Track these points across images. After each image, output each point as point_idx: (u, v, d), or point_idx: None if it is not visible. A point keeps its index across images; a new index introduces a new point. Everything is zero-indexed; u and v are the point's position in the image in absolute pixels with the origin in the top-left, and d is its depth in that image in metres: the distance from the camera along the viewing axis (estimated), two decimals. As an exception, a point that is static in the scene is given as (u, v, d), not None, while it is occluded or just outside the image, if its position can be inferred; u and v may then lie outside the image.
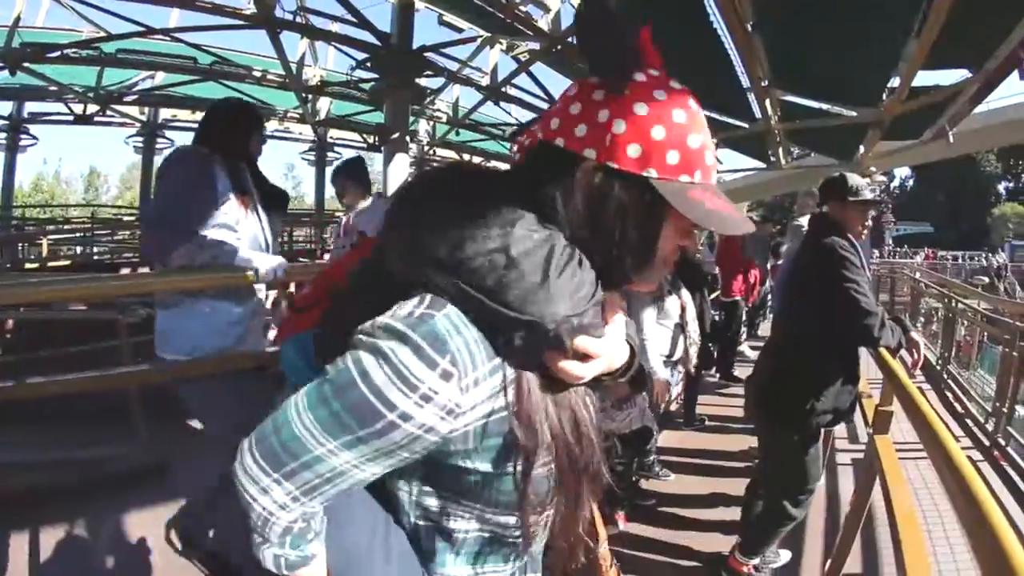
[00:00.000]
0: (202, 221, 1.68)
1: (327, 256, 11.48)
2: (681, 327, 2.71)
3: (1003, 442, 3.66)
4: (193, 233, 1.65)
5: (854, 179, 1.97)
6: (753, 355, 5.69)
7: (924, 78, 5.43)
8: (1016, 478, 3.24)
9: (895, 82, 5.58)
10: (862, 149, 8.29)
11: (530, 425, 0.57)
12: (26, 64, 6.78)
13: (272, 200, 1.98)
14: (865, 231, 2.01)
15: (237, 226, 1.77)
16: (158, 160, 12.23)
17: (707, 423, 3.81)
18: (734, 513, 2.36)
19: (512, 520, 0.64)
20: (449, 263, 0.53)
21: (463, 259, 0.53)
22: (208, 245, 1.67)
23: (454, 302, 0.53)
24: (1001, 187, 38.42)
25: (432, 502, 0.64)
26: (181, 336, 1.75)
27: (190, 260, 1.65)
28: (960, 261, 25.00)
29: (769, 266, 6.00)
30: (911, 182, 40.60)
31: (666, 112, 0.55)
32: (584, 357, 0.58)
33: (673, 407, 3.10)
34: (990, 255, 28.19)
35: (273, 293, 2.20)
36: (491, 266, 0.53)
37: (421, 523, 0.66)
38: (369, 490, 0.63)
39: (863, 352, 2.05)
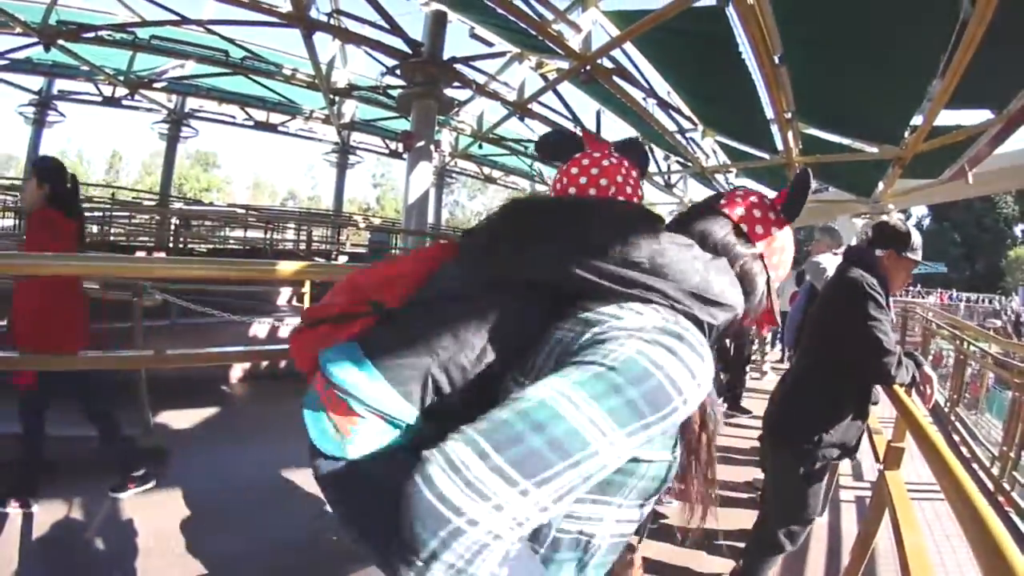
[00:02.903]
0: None
1: (342, 258, 11.51)
2: None
3: (1008, 487, 3.61)
4: None
5: (917, 237, 1.97)
6: (757, 385, 5.63)
7: (946, 117, 5.43)
8: (1020, 524, 3.18)
9: (918, 120, 5.57)
10: (881, 186, 8.26)
11: (703, 407, 0.72)
12: (60, 41, 6.89)
13: None
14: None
15: None
16: (181, 148, 12.37)
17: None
18: (733, 541, 2.33)
19: (638, 513, 0.70)
20: (653, 268, 0.66)
21: (667, 263, 0.67)
22: None
23: (667, 301, 0.65)
24: (1018, 230, 37.86)
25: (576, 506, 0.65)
26: None
27: None
28: (975, 303, 24.64)
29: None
30: (927, 221, 40.28)
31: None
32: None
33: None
34: (1003, 299, 27.88)
35: None
36: (693, 269, 0.68)
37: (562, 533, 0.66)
38: None
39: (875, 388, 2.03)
